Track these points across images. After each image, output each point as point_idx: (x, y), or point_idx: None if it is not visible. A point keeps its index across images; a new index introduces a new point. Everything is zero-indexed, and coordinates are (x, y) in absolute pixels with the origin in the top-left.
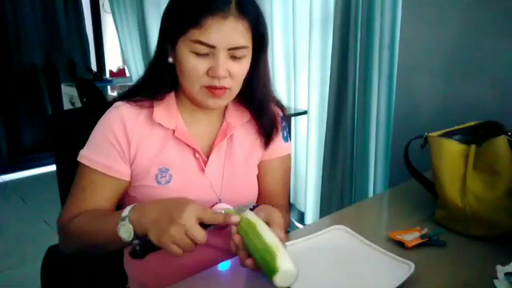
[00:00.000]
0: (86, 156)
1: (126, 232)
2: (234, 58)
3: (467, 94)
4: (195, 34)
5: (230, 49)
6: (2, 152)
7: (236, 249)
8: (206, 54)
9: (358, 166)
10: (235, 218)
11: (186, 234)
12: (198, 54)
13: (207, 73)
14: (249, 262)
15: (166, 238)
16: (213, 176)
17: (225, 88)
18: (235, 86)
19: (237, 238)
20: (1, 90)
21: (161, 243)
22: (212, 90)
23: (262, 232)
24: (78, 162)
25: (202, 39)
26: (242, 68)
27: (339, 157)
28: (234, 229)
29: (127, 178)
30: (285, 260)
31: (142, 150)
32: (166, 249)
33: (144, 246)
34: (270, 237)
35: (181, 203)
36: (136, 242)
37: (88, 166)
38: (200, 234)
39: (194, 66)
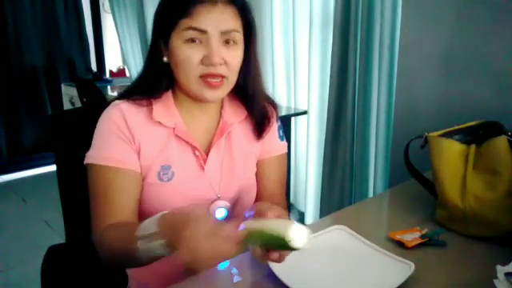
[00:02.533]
0: (97, 156)
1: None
2: (227, 43)
3: (467, 94)
4: (186, 22)
5: (222, 33)
6: (2, 152)
7: (262, 257)
8: (200, 42)
9: (357, 165)
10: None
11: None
12: (191, 42)
13: (202, 62)
14: (274, 256)
15: (192, 253)
16: (212, 174)
17: (221, 76)
18: (231, 75)
19: (255, 251)
20: (1, 90)
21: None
22: (209, 80)
23: (262, 222)
24: (88, 166)
25: (193, 24)
26: (235, 55)
27: (339, 157)
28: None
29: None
30: (289, 223)
31: (144, 146)
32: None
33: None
34: (261, 225)
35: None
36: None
37: (102, 166)
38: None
39: (188, 55)
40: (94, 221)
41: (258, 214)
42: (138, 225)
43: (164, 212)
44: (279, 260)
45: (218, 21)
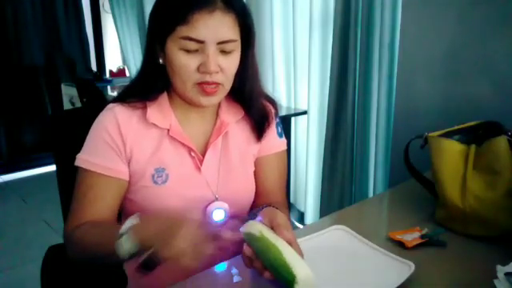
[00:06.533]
0: (84, 159)
1: (123, 251)
2: (223, 52)
3: (467, 94)
4: (183, 30)
5: (218, 43)
6: (2, 152)
7: (249, 262)
8: (196, 51)
9: (358, 165)
10: (227, 235)
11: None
12: (187, 51)
13: (198, 69)
14: (267, 274)
15: (172, 251)
16: (209, 174)
17: (217, 84)
18: (226, 81)
19: (247, 251)
20: (1, 90)
21: (169, 256)
22: (204, 87)
23: (270, 242)
24: (77, 167)
25: (191, 35)
26: (232, 62)
27: (339, 157)
28: (244, 245)
29: (127, 178)
30: (301, 268)
31: (137, 150)
32: (176, 262)
33: (149, 260)
34: (279, 245)
35: (180, 219)
36: (136, 256)
37: (87, 170)
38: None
39: (184, 63)
40: (69, 219)
41: (268, 221)
42: (112, 224)
43: (138, 214)
44: (267, 278)
45: (216, 30)
